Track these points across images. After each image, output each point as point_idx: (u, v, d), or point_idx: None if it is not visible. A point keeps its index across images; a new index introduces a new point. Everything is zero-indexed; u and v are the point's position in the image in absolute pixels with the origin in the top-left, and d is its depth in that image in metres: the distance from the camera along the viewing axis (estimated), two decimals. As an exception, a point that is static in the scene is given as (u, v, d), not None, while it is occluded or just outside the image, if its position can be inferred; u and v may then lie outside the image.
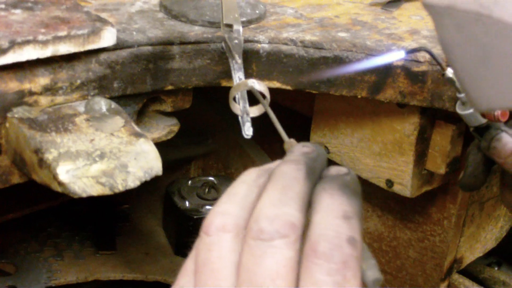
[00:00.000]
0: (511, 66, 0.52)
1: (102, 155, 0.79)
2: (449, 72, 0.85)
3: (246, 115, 0.80)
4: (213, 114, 1.43)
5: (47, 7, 0.89)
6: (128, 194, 1.42)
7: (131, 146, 0.82)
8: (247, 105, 0.81)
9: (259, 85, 0.81)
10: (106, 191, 0.78)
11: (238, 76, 0.84)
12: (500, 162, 0.85)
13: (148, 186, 1.46)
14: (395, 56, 0.92)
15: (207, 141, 1.44)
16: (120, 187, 0.79)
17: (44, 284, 1.21)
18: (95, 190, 0.77)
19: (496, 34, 0.51)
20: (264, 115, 0.81)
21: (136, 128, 0.84)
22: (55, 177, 0.77)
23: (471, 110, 0.86)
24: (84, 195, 0.77)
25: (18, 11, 0.87)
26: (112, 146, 0.81)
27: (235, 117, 0.83)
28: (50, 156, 0.78)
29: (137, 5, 1.01)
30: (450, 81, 0.86)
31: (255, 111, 0.82)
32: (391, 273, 1.24)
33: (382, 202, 1.22)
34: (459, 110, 0.88)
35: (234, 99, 0.81)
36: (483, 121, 0.87)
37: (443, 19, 0.54)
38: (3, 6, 0.87)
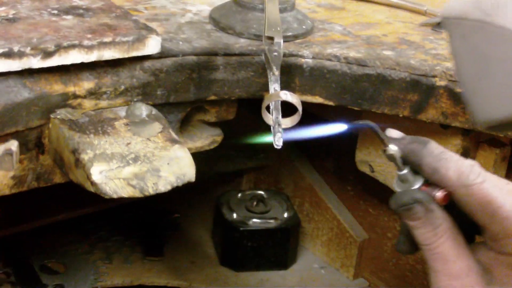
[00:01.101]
0: (510, 72, 0.52)
1: (136, 158, 0.81)
2: (391, 149, 0.73)
3: (278, 125, 0.81)
4: (266, 129, 1.44)
5: (97, 14, 0.92)
6: (180, 204, 1.45)
7: (165, 151, 0.83)
8: (280, 116, 0.81)
9: (291, 97, 0.82)
10: (136, 194, 0.80)
11: (274, 87, 0.85)
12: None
13: (200, 197, 1.48)
14: (335, 129, 0.78)
15: (259, 155, 1.45)
16: (150, 191, 0.80)
17: (90, 285, 1.24)
18: (126, 192, 0.79)
19: (496, 40, 0.51)
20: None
21: (173, 135, 0.86)
22: (88, 177, 0.79)
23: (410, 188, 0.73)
24: (114, 196, 0.79)
25: (69, 17, 0.90)
26: (147, 151, 0.83)
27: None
28: (86, 156, 0.80)
29: (187, 16, 1.03)
30: (391, 158, 0.74)
31: (287, 122, 0.82)
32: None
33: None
34: (397, 187, 0.75)
35: (267, 109, 0.82)
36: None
37: (453, 31, 0.54)
38: (55, 11, 0.91)
